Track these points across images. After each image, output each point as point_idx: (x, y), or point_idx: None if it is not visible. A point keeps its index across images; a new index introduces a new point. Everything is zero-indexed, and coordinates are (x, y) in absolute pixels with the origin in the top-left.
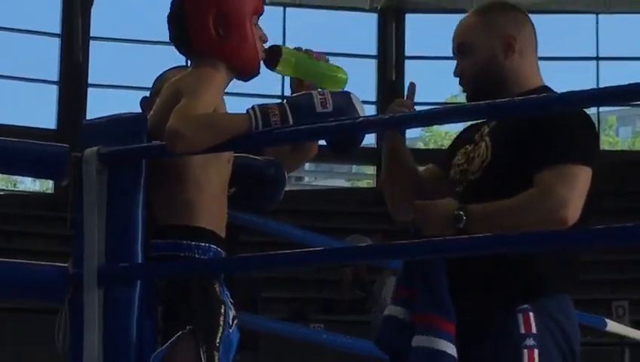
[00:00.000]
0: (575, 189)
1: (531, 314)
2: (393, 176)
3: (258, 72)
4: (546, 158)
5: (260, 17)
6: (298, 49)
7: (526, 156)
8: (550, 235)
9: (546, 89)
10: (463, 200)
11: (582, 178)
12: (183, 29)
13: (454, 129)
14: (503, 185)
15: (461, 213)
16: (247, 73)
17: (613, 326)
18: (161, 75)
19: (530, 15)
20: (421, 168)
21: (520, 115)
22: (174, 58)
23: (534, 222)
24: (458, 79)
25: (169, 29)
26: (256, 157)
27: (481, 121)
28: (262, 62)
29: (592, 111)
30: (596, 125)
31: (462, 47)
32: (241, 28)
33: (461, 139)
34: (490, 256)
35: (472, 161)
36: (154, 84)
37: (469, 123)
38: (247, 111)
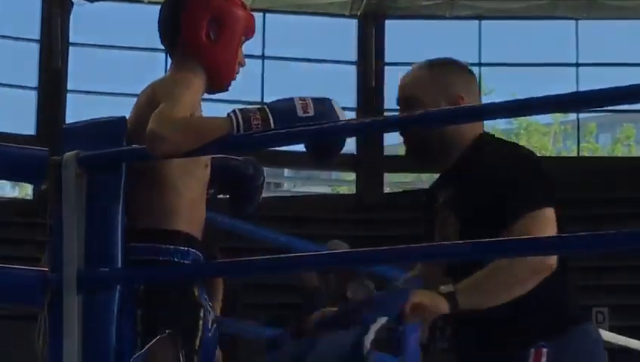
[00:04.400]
0: (549, 230)
1: (544, 351)
2: None
3: (227, 88)
4: (516, 210)
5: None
6: None
7: (495, 213)
8: (538, 242)
9: (482, 137)
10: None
11: (551, 218)
12: (174, 25)
13: None
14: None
15: (452, 290)
16: (219, 84)
17: None
18: None
19: (510, 21)
20: None
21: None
22: (151, 64)
23: (525, 273)
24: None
25: (159, 23)
26: (235, 158)
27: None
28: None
29: (571, 117)
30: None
31: (408, 101)
32: (231, 39)
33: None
34: (503, 305)
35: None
36: None
37: None
38: (228, 114)
